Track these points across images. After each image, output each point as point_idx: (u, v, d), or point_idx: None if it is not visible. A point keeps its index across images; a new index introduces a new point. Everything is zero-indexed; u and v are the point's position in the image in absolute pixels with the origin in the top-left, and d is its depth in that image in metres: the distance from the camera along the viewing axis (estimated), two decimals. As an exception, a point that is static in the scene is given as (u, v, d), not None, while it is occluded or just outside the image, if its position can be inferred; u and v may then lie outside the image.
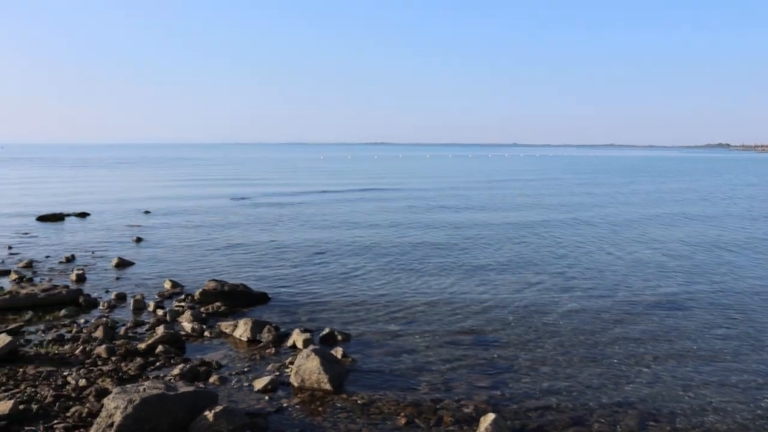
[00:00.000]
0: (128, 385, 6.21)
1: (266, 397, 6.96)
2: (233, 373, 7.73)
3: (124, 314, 10.39)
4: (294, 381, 7.35)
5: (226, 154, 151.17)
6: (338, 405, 6.83)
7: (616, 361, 8.27)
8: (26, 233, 19.44)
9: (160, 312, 10.20)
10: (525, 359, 8.30)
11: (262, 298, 11.09)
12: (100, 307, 10.68)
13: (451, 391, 7.24)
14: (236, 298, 10.82)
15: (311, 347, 7.64)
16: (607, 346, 8.86)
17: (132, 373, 7.56)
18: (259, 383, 7.23)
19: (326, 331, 9.03)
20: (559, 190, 38.11)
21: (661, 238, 18.91)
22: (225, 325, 9.37)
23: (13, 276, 12.80)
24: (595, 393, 7.21)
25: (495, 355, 8.43)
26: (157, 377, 7.43)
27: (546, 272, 13.71)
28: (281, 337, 8.93)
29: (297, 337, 8.69)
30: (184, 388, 6.26)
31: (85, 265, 14.18)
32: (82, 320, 9.92)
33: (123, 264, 14.21)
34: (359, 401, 6.92)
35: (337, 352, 8.13)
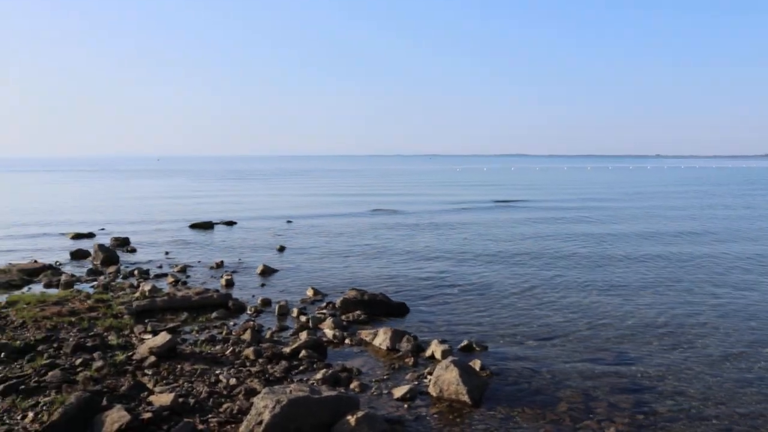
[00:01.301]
0: (275, 386, 6.53)
1: (405, 406, 7.09)
2: (373, 380, 7.92)
3: (269, 319, 10.89)
4: (432, 391, 7.44)
5: (358, 166, 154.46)
6: (476, 417, 6.85)
7: (773, 388, 7.77)
8: (180, 239, 20.83)
9: (303, 318, 10.63)
10: (670, 380, 7.96)
11: (400, 308, 11.28)
12: (248, 312, 11.26)
13: (592, 410, 7.06)
14: (376, 307, 11.07)
15: (450, 358, 7.71)
16: (765, 371, 8.33)
17: (278, 375, 7.92)
18: (398, 391, 7.37)
19: (464, 342, 9.08)
20: (714, 207, 36.04)
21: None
22: (365, 334, 9.62)
23: (170, 279, 13.78)
24: (752, 423, 6.78)
25: (638, 375, 8.14)
26: (301, 380, 7.75)
27: (696, 292, 13.03)
28: (419, 347, 9.04)
29: (435, 348, 8.78)
30: (327, 392, 6.50)
31: (233, 271, 14.98)
32: (231, 323, 10.52)
33: (267, 271, 14.89)
34: (497, 415, 6.90)
35: (476, 364, 8.13)
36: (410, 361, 8.62)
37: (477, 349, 9.02)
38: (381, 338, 9.28)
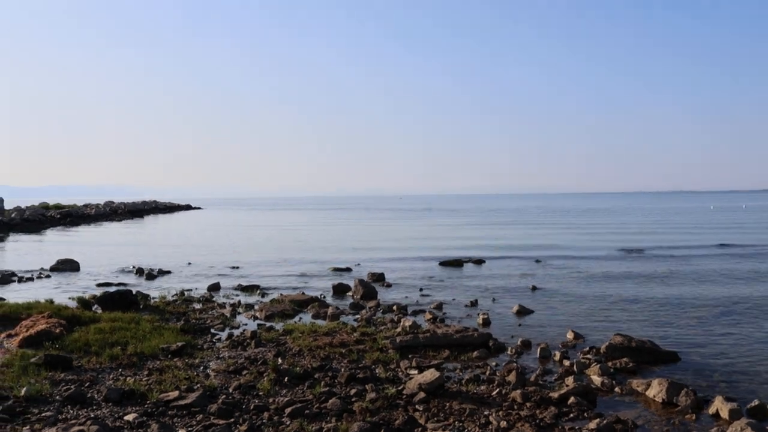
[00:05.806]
0: (553, 434, 6.32)
1: (694, 467, 6.51)
2: (651, 435, 7.40)
3: (530, 361, 10.67)
4: (725, 454, 6.77)
5: (608, 203, 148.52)
6: (780, 489, 6.09)
7: None
8: (432, 276, 21.40)
9: (566, 362, 10.28)
10: None
11: (671, 357, 10.52)
12: (508, 352, 11.13)
13: None
14: (643, 355, 10.41)
15: (744, 420, 6.99)
16: None
17: (548, 421, 7.68)
18: (684, 450, 6.80)
19: (755, 403, 8.14)
20: None
21: None
22: (636, 383, 9.04)
23: (428, 315, 14.12)
24: None
25: None
26: (572, 429, 7.45)
27: None
28: (700, 403, 8.30)
29: (721, 405, 8.00)
30: (609, 444, 6.17)
31: (488, 310, 14.96)
32: (493, 363, 10.45)
33: (523, 311, 14.71)
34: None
35: (772, 428, 7.28)
36: (691, 417, 7.94)
37: (771, 411, 8.07)
38: (655, 389, 8.66)
